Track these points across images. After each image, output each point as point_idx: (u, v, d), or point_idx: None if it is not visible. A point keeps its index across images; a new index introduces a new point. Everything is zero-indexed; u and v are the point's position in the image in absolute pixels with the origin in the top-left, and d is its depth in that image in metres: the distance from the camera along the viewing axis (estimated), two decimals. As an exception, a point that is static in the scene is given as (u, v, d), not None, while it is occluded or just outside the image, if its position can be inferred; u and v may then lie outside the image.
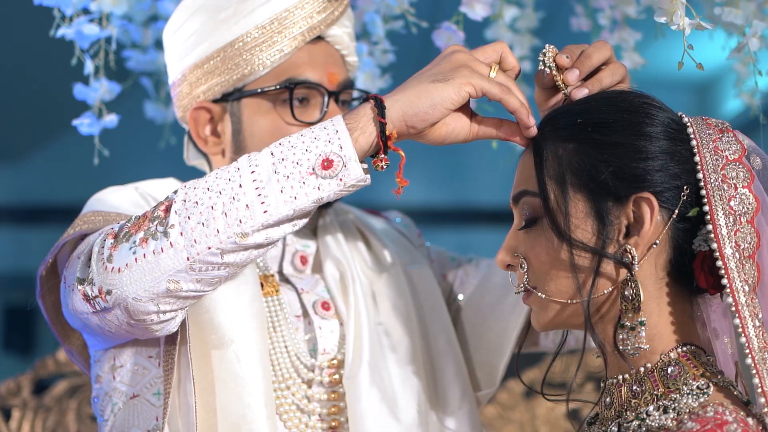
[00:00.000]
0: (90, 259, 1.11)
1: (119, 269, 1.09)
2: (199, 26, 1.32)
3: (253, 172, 1.04)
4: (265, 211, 1.03)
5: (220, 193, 1.05)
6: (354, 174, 1.03)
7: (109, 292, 1.10)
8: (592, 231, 0.99)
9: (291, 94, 1.30)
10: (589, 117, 1.03)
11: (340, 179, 1.03)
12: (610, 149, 1.00)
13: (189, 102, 1.35)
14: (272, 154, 1.05)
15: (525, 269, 1.04)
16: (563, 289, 1.02)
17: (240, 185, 1.04)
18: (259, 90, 1.31)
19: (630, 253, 0.98)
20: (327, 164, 1.03)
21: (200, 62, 1.32)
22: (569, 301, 1.01)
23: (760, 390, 0.93)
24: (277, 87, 1.30)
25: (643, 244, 0.98)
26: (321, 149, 1.03)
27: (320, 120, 1.27)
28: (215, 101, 1.33)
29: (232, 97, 1.33)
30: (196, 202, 1.05)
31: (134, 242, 1.08)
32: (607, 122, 1.02)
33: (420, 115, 1.05)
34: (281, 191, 1.03)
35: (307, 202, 1.03)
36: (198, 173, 1.29)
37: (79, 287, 1.13)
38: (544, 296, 1.02)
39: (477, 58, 1.08)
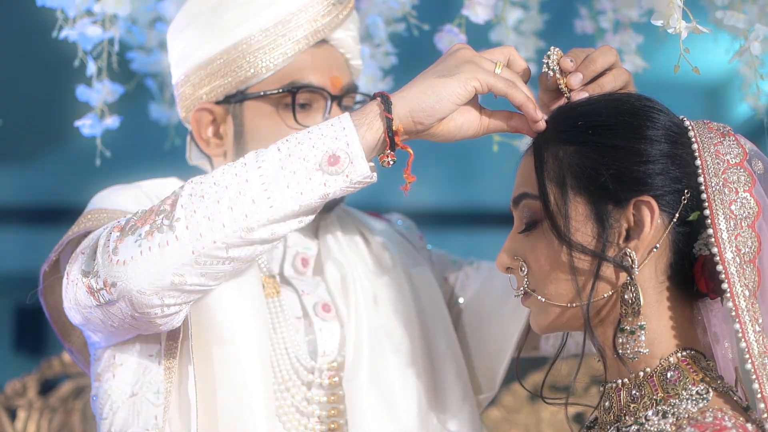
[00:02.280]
0: (95, 252, 1.14)
1: (124, 261, 1.11)
2: (202, 28, 1.34)
3: (259, 167, 1.06)
4: (270, 206, 1.05)
5: (227, 187, 1.07)
6: (360, 170, 1.05)
7: (113, 285, 1.12)
8: (592, 234, 0.99)
9: (293, 98, 1.32)
10: (590, 119, 1.03)
11: (347, 176, 1.05)
12: (610, 152, 1.00)
13: (192, 103, 1.37)
14: (279, 149, 1.07)
15: (525, 272, 1.04)
16: (563, 292, 1.02)
17: (246, 180, 1.06)
18: (261, 93, 1.32)
19: (630, 256, 0.98)
20: (333, 160, 1.05)
21: (203, 64, 1.33)
22: (569, 304, 1.01)
23: (759, 395, 0.93)
24: (280, 90, 1.32)
25: (643, 247, 0.98)
26: (327, 146, 1.05)
27: None
28: (218, 103, 1.35)
29: (234, 99, 1.34)
30: (202, 196, 1.07)
31: (140, 235, 1.11)
32: (608, 125, 1.02)
33: (427, 111, 1.07)
34: (287, 187, 1.05)
35: (313, 198, 1.05)
36: (200, 173, 1.31)
37: (84, 280, 1.15)
38: (543, 299, 1.03)
39: (483, 56, 1.11)
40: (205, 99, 1.35)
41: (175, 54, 1.39)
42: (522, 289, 1.06)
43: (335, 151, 1.05)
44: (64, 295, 1.20)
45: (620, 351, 1.00)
